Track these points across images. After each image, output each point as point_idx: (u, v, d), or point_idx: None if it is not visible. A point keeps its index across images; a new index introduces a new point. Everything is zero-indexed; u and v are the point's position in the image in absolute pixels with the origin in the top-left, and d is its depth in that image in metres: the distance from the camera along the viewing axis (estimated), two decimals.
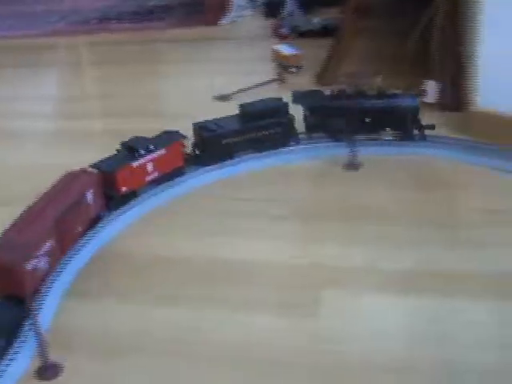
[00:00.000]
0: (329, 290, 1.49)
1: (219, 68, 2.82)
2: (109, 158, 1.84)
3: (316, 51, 2.73)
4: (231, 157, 2.03)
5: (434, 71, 2.26)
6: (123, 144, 1.88)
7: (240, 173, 2.00)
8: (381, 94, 2.06)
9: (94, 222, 1.74)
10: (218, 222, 1.76)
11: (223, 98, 2.48)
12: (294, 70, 2.69)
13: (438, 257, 1.56)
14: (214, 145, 2.00)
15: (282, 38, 3.07)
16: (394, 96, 2.06)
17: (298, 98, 2.10)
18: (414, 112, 2.03)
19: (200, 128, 2.02)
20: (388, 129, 2.06)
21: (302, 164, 2.03)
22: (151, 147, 1.87)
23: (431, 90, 2.22)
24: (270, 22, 3.28)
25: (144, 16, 3.62)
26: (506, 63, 1.96)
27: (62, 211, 1.60)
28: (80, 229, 1.69)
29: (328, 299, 1.46)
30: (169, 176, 1.92)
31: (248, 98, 2.18)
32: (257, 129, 2.03)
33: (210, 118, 2.03)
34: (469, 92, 2.08)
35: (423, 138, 2.03)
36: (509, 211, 1.71)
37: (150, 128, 1.98)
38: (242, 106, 2.07)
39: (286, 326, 1.40)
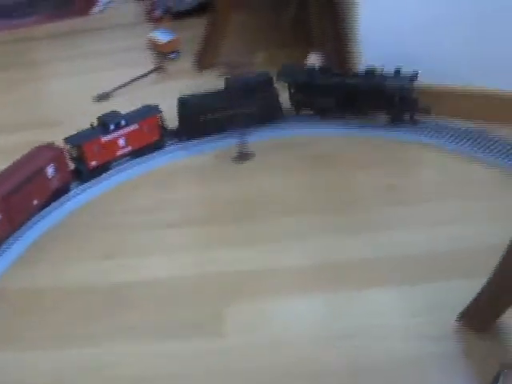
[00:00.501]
0: (233, 301, 1.41)
1: (95, 63, 2.66)
2: (82, 132, 1.87)
3: (195, 31, 2.60)
4: (208, 134, 1.96)
5: (316, 42, 2.19)
6: (98, 119, 1.89)
7: (124, 181, 1.88)
8: (371, 73, 1.90)
9: (58, 195, 1.80)
10: (109, 240, 1.64)
11: (103, 97, 2.34)
12: (172, 56, 2.56)
13: (342, 246, 1.50)
14: (189, 121, 1.96)
15: (157, 21, 2.93)
16: (384, 76, 1.89)
17: (283, 74, 1.99)
18: (403, 93, 1.86)
19: (181, 102, 1.96)
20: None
21: (188, 161, 1.92)
22: (122, 122, 1.89)
23: (315, 61, 2.14)
24: (143, 5, 3.13)
25: (6, 13, 3.38)
26: (386, 26, 1.91)
27: (13, 185, 1.65)
28: (36, 202, 1.73)
29: (233, 311, 1.38)
30: (145, 150, 1.94)
31: (130, 94, 2.05)
32: (238, 106, 1.93)
33: (91, 121, 1.89)
34: (353, 59, 2.02)
35: (414, 122, 1.88)
36: (406, 187, 1.66)
37: (18, 142, 1.83)
38: (226, 80, 1.97)
39: (194, 349, 1.31)
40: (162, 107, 1.97)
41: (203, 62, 2.44)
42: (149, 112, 1.95)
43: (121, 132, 1.89)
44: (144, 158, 1.94)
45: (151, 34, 2.65)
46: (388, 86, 1.86)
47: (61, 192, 1.81)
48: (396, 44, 1.92)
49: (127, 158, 1.94)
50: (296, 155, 1.87)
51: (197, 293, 1.45)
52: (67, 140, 1.85)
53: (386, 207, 1.61)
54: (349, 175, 1.75)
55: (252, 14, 2.63)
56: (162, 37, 2.60)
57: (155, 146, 1.96)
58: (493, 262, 1.16)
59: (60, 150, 1.81)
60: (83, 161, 1.85)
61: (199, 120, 1.97)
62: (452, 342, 1.24)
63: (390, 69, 1.88)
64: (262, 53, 2.38)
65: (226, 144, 1.94)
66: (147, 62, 2.53)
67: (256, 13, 2.63)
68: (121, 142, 1.90)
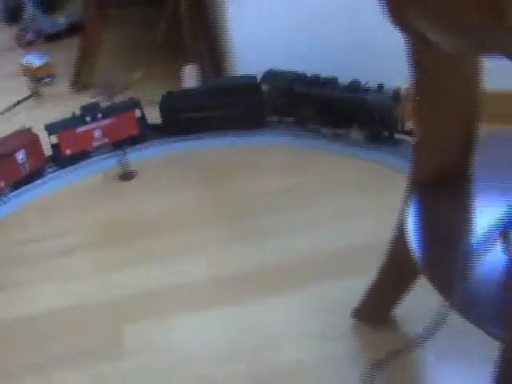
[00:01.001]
0: (133, 323, 1.38)
1: None
2: (61, 122, 1.93)
3: (69, 53, 2.56)
4: (191, 132, 1.93)
5: (190, 55, 2.19)
6: (80, 108, 1.94)
7: (9, 213, 1.82)
8: (354, 87, 1.81)
9: (28, 179, 1.86)
10: (6, 273, 1.58)
11: None
12: (47, 80, 2.51)
13: (235, 257, 1.50)
14: (171, 118, 1.95)
15: (29, 45, 2.86)
16: (366, 91, 1.79)
17: (267, 78, 1.93)
18: (383, 110, 1.75)
19: (167, 97, 1.95)
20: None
21: (74, 185, 1.88)
22: (99, 115, 1.92)
23: (191, 74, 2.14)
24: (14, 30, 3.05)
25: None
26: (257, 36, 1.94)
27: None
28: (2, 184, 1.79)
29: (132, 333, 1.35)
30: (123, 142, 1.95)
31: (7, 122, 1.99)
32: (220, 106, 1.88)
33: None
34: (227, 70, 2.04)
35: (394, 142, 1.77)
36: (294, 192, 1.69)
37: None
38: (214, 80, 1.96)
39: (93, 376, 1.28)
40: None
41: (79, 84, 2.40)
42: (128, 107, 1.97)
43: (97, 124, 1.93)
44: (28, 186, 1.88)
45: (24, 59, 2.58)
46: (370, 101, 1.78)
47: (34, 176, 1.88)
48: (267, 53, 1.96)
49: (107, 148, 1.96)
50: (183, 169, 1.86)
51: (95, 318, 1.42)
52: (46, 127, 1.91)
53: (275, 213, 1.62)
54: (236, 185, 1.76)
55: (125, 32, 2.61)
56: (34, 61, 2.54)
57: (134, 140, 1.97)
58: (382, 257, 1.19)
59: (34, 136, 1.88)
60: (58, 148, 1.91)
61: (181, 117, 1.94)
62: (351, 339, 1.27)
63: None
64: (138, 70, 2.36)
65: (112, 164, 1.91)
66: (22, 88, 2.46)
67: (128, 30, 2.61)
68: (96, 133, 1.94)
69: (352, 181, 1.71)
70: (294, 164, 1.81)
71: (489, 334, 0.81)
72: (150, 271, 1.51)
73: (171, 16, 2.24)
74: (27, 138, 1.88)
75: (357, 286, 1.28)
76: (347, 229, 1.53)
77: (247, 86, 1.92)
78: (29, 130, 1.91)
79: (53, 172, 1.91)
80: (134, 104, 1.98)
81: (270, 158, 1.86)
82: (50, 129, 1.91)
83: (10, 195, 1.83)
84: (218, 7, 2.00)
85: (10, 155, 1.80)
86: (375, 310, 1.27)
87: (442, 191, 1.03)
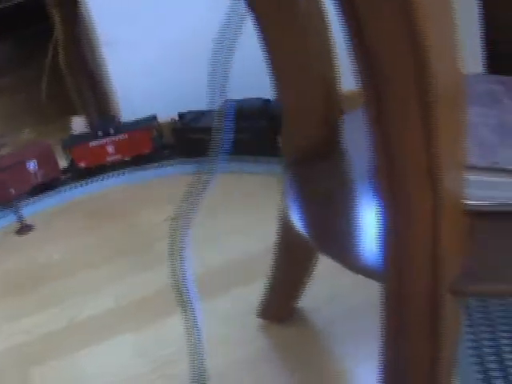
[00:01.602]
0: (40, 367, 1.33)
1: None
2: (77, 135, 2.01)
3: None
4: (202, 154, 1.82)
5: (77, 106, 2.19)
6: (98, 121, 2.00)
7: None
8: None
9: (41, 188, 1.92)
10: None
11: None
12: None
13: (137, 283, 1.48)
14: (182, 138, 1.91)
15: None
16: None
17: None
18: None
19: (180, 117, 1.92)
20: None
21: None
22: (111, 131, 1.93)
23: (78, 123, 2.14)
24: None
25: None
26: (137, 79, 1.97)
27: None
28: (13, 191, 1.85)
29: (40, 375, 1.31)
30: (138, 161, 1.95)
31: None
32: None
33: None
34: (114, 116, 2.04)
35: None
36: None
37: None
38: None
39: None
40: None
41: None
42: (142, 123, 1.96)
43: (109, 140, 1.94)
44: None
45: None
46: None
47: (48, 186, 1.92)
48: (150, 95, 1.99)
49: (123, 166, 1.96)
50: (78, 216, 1.85)
51: None
52: (62, 141, 1.98)
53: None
54: (132, 219, 1.75)
55: (10, 99, 2.60)
56: None
57: (148, 159, 1.95)
58: None
59: (47, 148, 1.94)
60: (73, 161, 1.96)
61: (193, 138, 1.89)
62: (260, 339, 1.26)
63: None
64: (27, 129, 2.34)
65: (10, 219, 1.88)
66: None
67: (13, 96, 2.60)
68: (109, 149, 1.95)
69: (244, 195, 1.72)
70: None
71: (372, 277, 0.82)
72: (49, 315, 1.47)
73: (52, 70, 2.24)
74: (39, 149, 1.93)
75: (262, 288, 1.28)
76: (246, 239, 1.53)
77: (256, 109, 1.84)
78: (43, 141, 2.00)
79: None
80: (150, 121, 1.96)
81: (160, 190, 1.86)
82: (64, 143, 1.97)
83: None
84: (94, 52, 2.01)
85: (20, 164, 1.87)
86: (278, 306, 1.27)
87: (316, 166, 1.05)
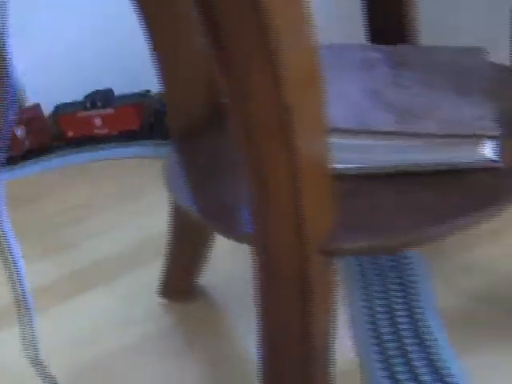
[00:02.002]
0: None
1: None
2: (73, 103, 1.93)
3: None
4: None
5: None
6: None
7: None
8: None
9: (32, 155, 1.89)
10: None
11: None
12: None
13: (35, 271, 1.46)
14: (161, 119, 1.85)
15: None
16: None
17: None
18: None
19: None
20: None
21: None
22: (98, 103, 1.89)
23: None
24: None
25: None
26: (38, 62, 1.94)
27: None
28: None
29: None
30: (122, 136, 1.92)
31: None
32: None
33: None
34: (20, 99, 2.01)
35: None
36: (90, 203, 1.68)
37: None
38: None
39: None
40: None
41: None
42: (136, 98, 1.92)
43: (96, 112, 1.90)
44: None
45: None
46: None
47: (37, 153, 1.90)
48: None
49: (112, 141, 1.92)
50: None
51: None
52: (54, 108, 1.93)
53: (74, 225, 1.60)
54: (35, 206, 1.73)
55: None
56: None
57: (135, 136, 1.91)
58: None
59: (37, 114, 1.91)
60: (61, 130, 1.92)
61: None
62: (163, 318, 1.26)
63: None
64: None
65: None
66: None
67: None
68: (96, 121, 1.91)
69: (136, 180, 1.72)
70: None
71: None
72: None
73: None
74: (28, 116, 1.89)
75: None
76: (145, 223, 1.53)
77: None
78: (36, 107, 1.93)
79: None
80: (142, 98, 1.92)
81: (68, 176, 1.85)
82: (55, 110, 1.92)
83: None
84: None
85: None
86: (178, 284, 1.28)
87: (200, 142, 1.06)
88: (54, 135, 1.95)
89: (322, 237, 0.77)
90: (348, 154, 0.86)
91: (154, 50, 1.02)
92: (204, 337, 1.22)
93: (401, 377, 1.06)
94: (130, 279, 1.37)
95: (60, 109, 1.94)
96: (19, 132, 1.86)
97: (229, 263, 1.32)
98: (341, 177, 0.84)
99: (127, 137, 1.92)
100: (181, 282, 1.27)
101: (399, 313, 1.16)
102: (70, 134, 1.92)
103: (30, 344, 0.86)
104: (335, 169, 0.80)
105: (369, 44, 1.19)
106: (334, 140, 0.81)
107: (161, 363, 1.18)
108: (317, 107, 0.72)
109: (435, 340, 1.10)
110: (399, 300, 1.19)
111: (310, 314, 0.79)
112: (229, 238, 0.88)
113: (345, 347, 1.14)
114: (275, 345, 0.83)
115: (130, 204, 1.64)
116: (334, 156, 0.78)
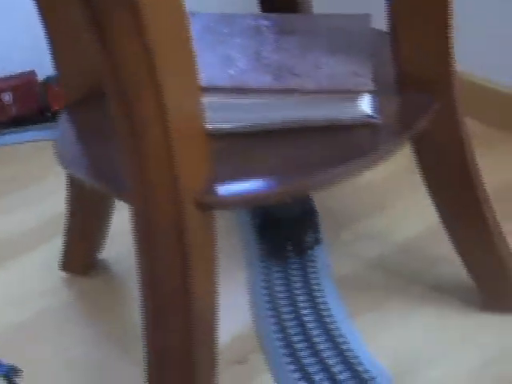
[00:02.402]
0: None
1: None
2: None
3: None
4: None
5: None
6: None
7: None
8: None
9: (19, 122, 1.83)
10: None
11: None
12: None
13: None
14: None
15: None
16: None
17: None
18: None
19: None
20: None
21: None
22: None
23: None
24: None
25: None
26: None
27: None
28: None
29: None
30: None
31: None
32: None
33: None
34: None
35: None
36: None
37: None
38: None
39: None
40: None
41: None
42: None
43: None
44: None
45: None
46: None
47: (23, 121, 1.83)
48: None
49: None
50: None
51: None
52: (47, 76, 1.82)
53: None
54: None
55: None
56: None
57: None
58: None
59: (28, 81, 1.83)
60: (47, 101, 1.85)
61: None
62: (64, 292, 1.26)
63: None
64: None
65: None
66: None
67: None
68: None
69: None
70: None
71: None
72: None
73: None
74: (16, 83, 1.82)
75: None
76: (48, 204, 1.52)
77: None
78: (31, 74, 1.84)
79: None
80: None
81: None
82: (45, 79, 1.83)
83: None
84: None
85: None
86: (79, 259, 1.27)
87: (91, 110, 1.06)
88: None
89: (198, 190, 0.78)
90: (223, 113, 0.88)
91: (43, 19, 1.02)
92: (105, 309, 1.22)
93: (294, 338, 1.09)
94: (31, 257, 1.36)
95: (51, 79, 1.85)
96: (6, 98, 1.82)
97: (130, 237, 1.32)
98: (219, 135, 0.86)
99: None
100: (82, 256, 1.27)
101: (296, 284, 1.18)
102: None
103: None
104: (211, 127, 0.82)
105: (260, 13, 1.21)
106: (209, 99, 0.83)
107: (61, 336, 1.18)
108: (187, 67, 0.74)
109: (326, 303, 1.13)
110: (296, 272, 1.21)
111: (189, 268, 0.80)
112: (116, 197, 0.88)
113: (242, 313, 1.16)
114: (156, 301, 0.83)
115: (34, 186, 1.62)
116: (210, 115, 0.80)
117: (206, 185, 0.80)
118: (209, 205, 0.80)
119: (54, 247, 1.33)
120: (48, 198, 1.52)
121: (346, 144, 0.86)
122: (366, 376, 1.01)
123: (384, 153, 0.85)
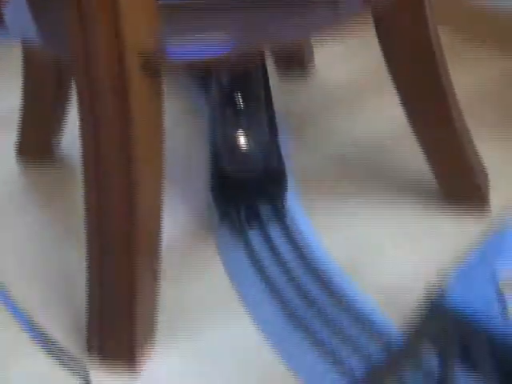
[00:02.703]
0: None
1: None
2: None
3: None
4: None
5: None
6: None
7: None
8: None
9: None
10: None
11: None
12: None
13: None
14: None
15: None
16: None
17: None
18: None
19: None
20: None
21: None
22: None
23: None
24: None
25: None
26: None
27: None
28: None
29: None
30: None
31: None
32: None
33: None
34: None
35: None
36: None
37: None
38: None
39: None
40: None
41: None
42: None
43: None
44: None
45: None
46: None
47: None
48: None
49: None
50: None
51: None
52: None
53: None
54: None
55: None
56: None
57: None
58: None
59: None
60: None
61: None
62: (20, 176, 1.23)
63: None
64: None
65: None
66: None
67: None
68: None
69: None
70: None
71: None
72: None
73: None
74: None
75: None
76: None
77: None
78: None
79: None
80: None
81: None
82: None
83: None
84: None
85: None
86: (36, 142, 1.24)
87: None
88: None
89: (144, 51, 0.75)
90: None
91: None
92: (60, 194, 1.19)
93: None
94: None
95: None
96: None
97: None
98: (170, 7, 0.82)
99: None
100: (39, 139, 1.23)
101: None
102: None
103: None
104: None
105: None
106: None
107: (22, 217, 1.15)
108: None
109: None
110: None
111: (132, 137, 0.77)
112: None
113: None
114: (99, 173, 0.81)
115: None
116: None
117: (153, 47, 0.76)
118: (155, 67, 0.76)
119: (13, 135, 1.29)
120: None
121: (302, 10, 0.82)
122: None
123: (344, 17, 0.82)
